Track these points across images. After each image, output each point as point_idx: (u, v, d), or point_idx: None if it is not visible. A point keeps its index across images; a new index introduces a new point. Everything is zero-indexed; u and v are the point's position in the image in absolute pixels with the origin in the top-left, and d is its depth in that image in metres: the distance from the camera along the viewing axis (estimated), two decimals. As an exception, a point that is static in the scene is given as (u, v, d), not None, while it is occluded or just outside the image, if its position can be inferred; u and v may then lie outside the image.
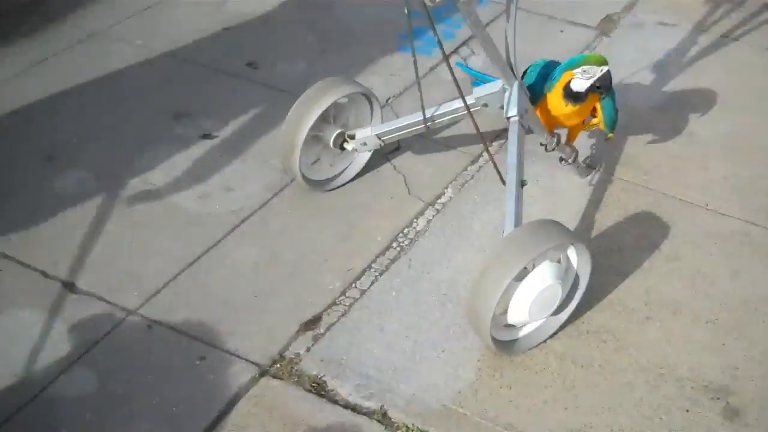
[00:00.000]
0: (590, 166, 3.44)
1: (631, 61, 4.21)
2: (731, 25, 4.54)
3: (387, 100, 3.85)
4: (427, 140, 3.59)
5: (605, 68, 2.79)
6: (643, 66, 4.17)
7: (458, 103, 2.94)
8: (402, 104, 3.83)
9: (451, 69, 2.61)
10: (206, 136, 3.66)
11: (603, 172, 3.47)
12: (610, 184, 3.41)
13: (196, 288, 2.90)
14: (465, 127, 3.47)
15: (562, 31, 4.49)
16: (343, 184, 3.38)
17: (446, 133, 3.63)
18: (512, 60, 2.74)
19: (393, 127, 3.13)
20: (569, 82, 2.82)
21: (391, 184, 3.40)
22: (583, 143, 3.48)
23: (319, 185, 3.31)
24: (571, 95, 2.84)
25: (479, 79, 3.34)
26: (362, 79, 3.73)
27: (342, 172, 3.37)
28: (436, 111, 3.01)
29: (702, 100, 3.94)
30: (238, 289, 2.90)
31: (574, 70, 2.80)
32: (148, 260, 2.99)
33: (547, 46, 4.29)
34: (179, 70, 4.06)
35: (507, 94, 2.82)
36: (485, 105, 2.92)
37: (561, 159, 3.16)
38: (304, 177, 3.21)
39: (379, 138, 3.17)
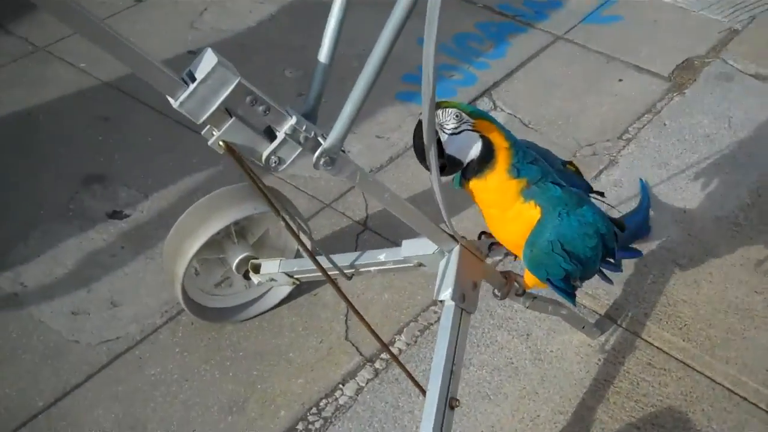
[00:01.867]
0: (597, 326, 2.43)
1: (705, 137, 3.11)
2: None
3: (370, 171, 2.92)
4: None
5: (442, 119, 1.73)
6: (719, 149, 3.06)
7: (384, 255, 1.99)
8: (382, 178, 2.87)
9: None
10: (115, 214, 2.82)
11: (627, 327, 2.45)
12: (632, 354, 2.39)
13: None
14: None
15: (621, 80, 3.39)
16: (262, 312, 2.49)
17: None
18: (448, 221, 1.75)
19: (305, 268, 2.20)
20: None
21: (326, 318, 2.49)
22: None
23: (223, 316, 2.43)
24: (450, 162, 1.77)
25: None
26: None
27: (263, 295, 2.48)
28: (357, 259, 2.06)
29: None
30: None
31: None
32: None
33: (592, 102, 3.24)
34: (114, 110, 3.22)
35: (443, 264, 1.84)
36: (421, 265, 1.95)
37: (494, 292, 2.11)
38: (196, 309, 2.35)
39: (291, 276, 2.24)
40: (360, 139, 3.11)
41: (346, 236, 2.75)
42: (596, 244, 1.84)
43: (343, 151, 1.61)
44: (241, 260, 2.30)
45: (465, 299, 1.83)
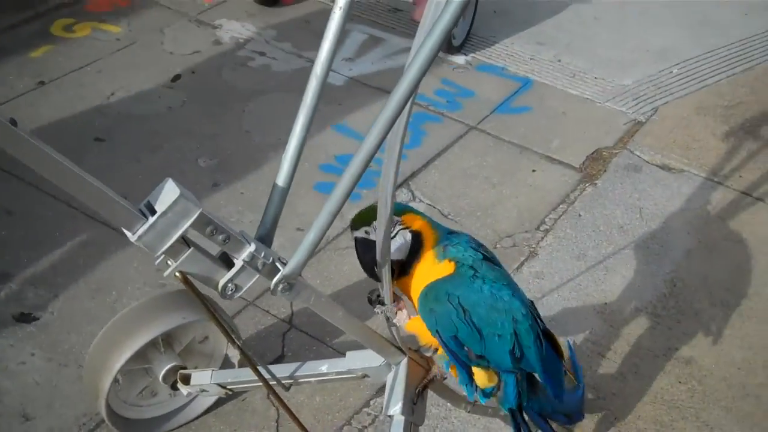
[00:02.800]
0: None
1: (619, 228, 3.18)
2: (759, 176, 3.51)
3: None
4: (322, 347, 2.60)
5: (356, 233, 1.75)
6: (633, 239, 3.14)
7: (326, 366, 1.93)
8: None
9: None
10: (23, 317, 2.66)
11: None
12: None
13: None
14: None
15: (534, 171, 3.45)
16: (189, 422, 2.36)
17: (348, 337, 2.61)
18: (395, 334, 1.70)
19: (240, 379, 2.11)
20: None
21: (256, 424, 2.39)
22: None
23: (148, 427, 2.30)
24: None
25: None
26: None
27: (188, 403, 2.36)
28: (298, 369, 1.98)
29: (709, 300, 2.92)
30: None
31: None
32: None
33: (508, 192, 3.28)
34: (18, 203, 3.07)
35: (390, 377, 1.79)
36: (366, 376, 1.89)
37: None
38: (119, 422, 2.21)
39: (224, 387, 2.14)
40: (280, 233, 3.03)
41: (272, 335, 2.67)
42: (504, 325, 1.74)
43: (301, 275, 1.55)
44: (168, 370, 2.18)
45: (414, 412, 1.78)
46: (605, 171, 3.47)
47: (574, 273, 2.98)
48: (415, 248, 1.74)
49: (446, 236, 1.79)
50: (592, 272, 2.99)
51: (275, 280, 1.50)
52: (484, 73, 4.04)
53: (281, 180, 1.61)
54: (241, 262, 1.48)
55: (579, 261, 3.03)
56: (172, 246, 1.39)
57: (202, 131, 3.50)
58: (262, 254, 1.49)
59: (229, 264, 1.50)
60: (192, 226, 1.40)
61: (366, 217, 1.71)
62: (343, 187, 1.45)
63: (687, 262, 3.06)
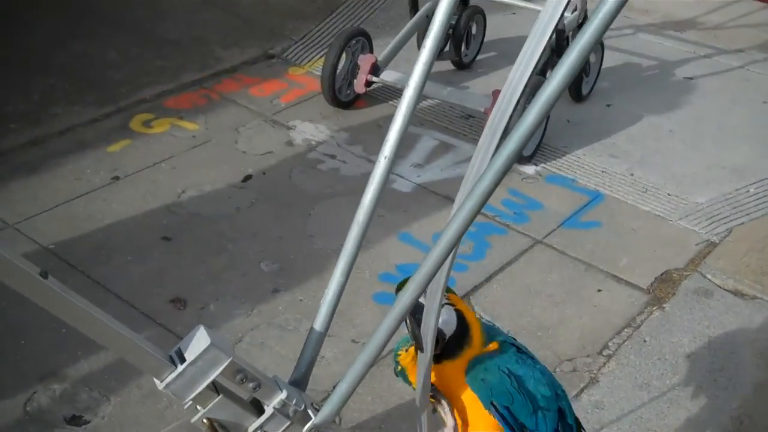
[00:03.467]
0: None
1: (686, 357, 3.06)
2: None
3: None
4: None
5: None
6: (699, 370, 3.01)
7: None
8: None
9: None
10: (75, 419, 2.69)
11: None
12: None
13: None
14: None
15: (599, 290, 3.37)
16: None
17: None
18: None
19: None
20: None
21: None
22: None
23: None
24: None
25: None
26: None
27: None
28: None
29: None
30: None
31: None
32: None
33: (571, 312, 3.20)
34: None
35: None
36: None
37: None
38: None
39: None
40: (335, 343, 3.01)
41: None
42: (550, 400, 1.72)
43: (334, 422, 1.51)
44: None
45: None
46: (674, 294, 3.36)
47: (636, 404, 2.86)
48: (463, 331, 1.69)
49: (485, 324, 1.79)
50: (655, 404, 2.87)
51: (306, 428, 1.47)
52: (554, 184, 3.99)
53: (318, 324, 1.59)
54: (272, 409, 1.45)
55: (642, 391, 2.92)
56: (200, 393, 1.38)
57: (267, 234, 3.53)
58: (294, 401, 1.46)
59: (259, 409, 1.48)
60: (221, 374, 1.38)
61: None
62: (382, 332, 1.42)
63: (756, 398, 2.91)
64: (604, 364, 3.03)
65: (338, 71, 4.33)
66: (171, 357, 1.37)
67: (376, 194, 1.53)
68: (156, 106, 4.37)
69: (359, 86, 4.32)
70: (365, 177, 3.91)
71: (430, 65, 1.51)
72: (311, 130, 4.27)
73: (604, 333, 3.16)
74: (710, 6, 5.96)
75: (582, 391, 2.91)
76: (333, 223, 3.62)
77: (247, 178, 3.87)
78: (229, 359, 1.37)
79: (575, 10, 4.53)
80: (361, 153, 4.11)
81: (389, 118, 4.58)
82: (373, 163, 4.00)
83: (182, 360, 1.36)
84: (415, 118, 4.29)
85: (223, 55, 4.88)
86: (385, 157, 1.51)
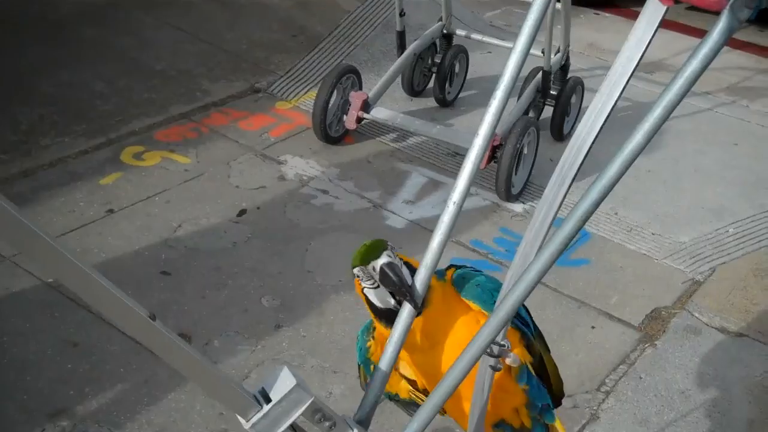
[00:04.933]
0: None
1: (681, 393, 3.16)
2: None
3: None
4: None
5: (380, 260, 1.67)
6: (695, 406, 3.11)
7: None
8: None
9: None
10: (86, 454, 2.65)
11: None
12: None
13: None
14: None
15: (593, 327, 3.46)
16: None
17: None
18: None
19: None
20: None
21: None
22: None
23: None
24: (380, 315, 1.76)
25: None
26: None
27: None
28: None
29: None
30: None
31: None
32: None
33: (568, 349, 3.28)
34: (85, 334, 3.10)
35: None
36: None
37: None
38: None
39: None
40: (342, 379, 3.05)
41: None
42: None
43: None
44: None
45: None
46: (665, 332, 3.46)
47: (636, 440, 2.95)
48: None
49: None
50: (655, 440, 2.96)
51: (370, 464, 1.52)
52: (542, 222, 4.08)
53: (384, 364, 1.64)
54: (345, 447, 1.50)
55: (642, 427, 3.00)
56: (280, 432, 1.42)
57: (265, 269, 3.55)
58: (363, 440, 1.51)
59: (329, 448, 1.52)
60: (302, 414, 1.42)
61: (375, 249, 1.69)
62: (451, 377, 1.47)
63: (749, 434, 3.02)
64: (603, 400, 3.11)
65: (329, 107, 4.39)
66: (255, 396, 1.41)
67: (443, 239, 1.58)
68: (146, 138, 4.38)
69: (350, 122, 4.38)
70: (358, 213, 4.02)
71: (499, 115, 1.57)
72: (302, 165, 4.31)
73: (600, 369, 3.25)
74: (678, 49, 6.17)
75: (584, 427, 2.98)
76: (330, 259, 3.66)
77: (242, 212, 3.90)
78: (311, 399, 1.41)
79: (558, 51, 4.66)
80: (353, 189, 4.16)
81: (378, 155, 4.67)
82: (365, 199, 4.10)
83: (267, 400, 1.40)
84: (403, 154, 4.38)
85: (210, 88, 4.91)
86: (454, 203, 1.57)
